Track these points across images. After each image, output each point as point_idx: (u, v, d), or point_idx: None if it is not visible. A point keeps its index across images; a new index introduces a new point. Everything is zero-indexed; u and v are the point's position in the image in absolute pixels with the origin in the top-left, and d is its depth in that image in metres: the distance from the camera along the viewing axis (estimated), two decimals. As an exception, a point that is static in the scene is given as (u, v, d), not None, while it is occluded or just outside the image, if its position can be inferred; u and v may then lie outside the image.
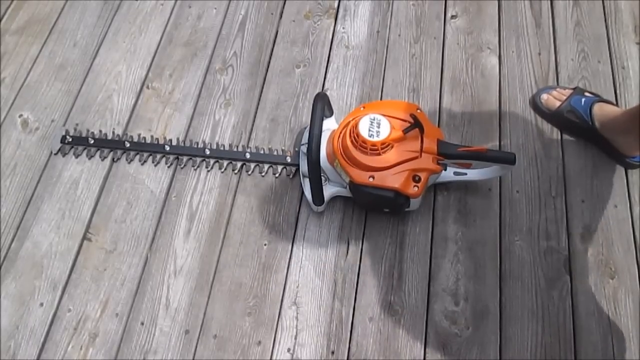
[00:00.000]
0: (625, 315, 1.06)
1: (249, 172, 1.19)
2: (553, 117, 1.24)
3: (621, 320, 1.05)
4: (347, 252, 1.12)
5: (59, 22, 1.41)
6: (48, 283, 1.08)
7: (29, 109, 1.28)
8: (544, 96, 1.25)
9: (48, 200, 1.17)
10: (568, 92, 1.24)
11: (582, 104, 1.19)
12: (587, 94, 1.23)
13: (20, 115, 1.27)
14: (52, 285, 1.08)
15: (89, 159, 1.21)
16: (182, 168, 1.20)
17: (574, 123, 1.21)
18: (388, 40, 1.38)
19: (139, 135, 1.22)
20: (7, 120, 1.26)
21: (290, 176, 1.18)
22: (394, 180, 1.01)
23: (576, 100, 1.21)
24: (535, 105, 1.27)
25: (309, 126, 1.03)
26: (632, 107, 1.14)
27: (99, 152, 1.21)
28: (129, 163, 1.20)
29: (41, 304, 1.07)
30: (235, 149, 1.20)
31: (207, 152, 1.19)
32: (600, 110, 1.18)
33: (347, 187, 1.08)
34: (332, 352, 1.03)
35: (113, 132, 1.23)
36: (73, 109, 1.28)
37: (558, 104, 1.23)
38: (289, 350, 1.03)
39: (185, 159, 1.20)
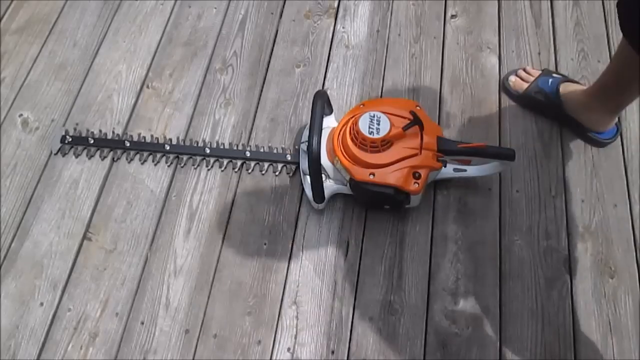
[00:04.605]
0: (625, 315, 1.06)
1: (249, 171, 1.19)
2: (522, 98, 1.27)
3: (621, 320, 1.05)
4: (347, 252, 1.12)
5: (59, 22, 1.41)
6: (48, 283, 1.08)
7: (29, 108, 1.28)
8: (512, 78, 1.29)
9: (48, 200, 1.17)
10: (536, 73, 1.27)
11: (549, 84, 1.23)
12: (554, 74, 1.26)
13: (20, 115, 1.27)
14: (52, 284, 1.08)
15: (89, 158, 1.21)
16: (182, 167, 1.20)
17: (541, 103, 1.24)
18: (388, 40, 1.38)
19: (139, 134, 1.22)
20: (7, 120, 1.26)
21: (291, 174, 1.19)
22: (394, 177, 1.01)
23: (544, 81, 1.24)
24: (505, 88, 1.30)
25: (309, 124, 1.03)
26: (593, 84, 1.17)
27: (98, 152, 1.21)
28: (129, 162, 1.20)
29: (41, 304, 1.07)
30: (235, 148, 1.20)
31: (207, 150, 1.19)
32: (566, 89, 1.21)
33: (348, 184, 1.08)
34: (332, 352, 1.03)
35: (113, 132, 1.23)
36: (73, 108, 1.28)
37: (526, 85, 1.26)
38: (289, 349, 1.03)
39: (185, 157, 1.20)
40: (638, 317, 1.05)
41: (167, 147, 1.19)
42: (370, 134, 1.00)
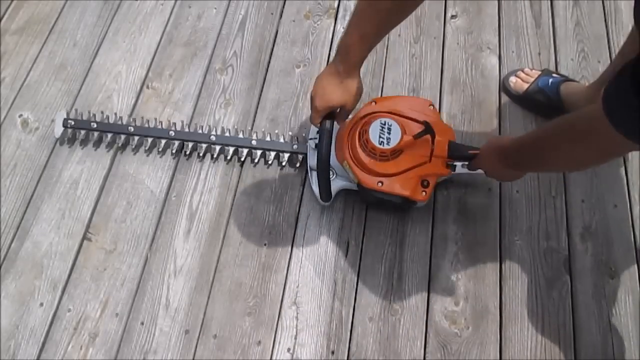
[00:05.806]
0: (625, 315, 1.06)
1: (255, 160, 1.18)
2: (522, 99, 1.26)
3: (621, 320, 1.05)
4: (347, 252, 1.12)
5: (59, 22, 1.41)
6: (48, 283, 1.08)
7: (29, 109, 1.28)
8: (512, 79, 1.28)
9: (48, 200, 1.17)
10: (536, 73, 1.26)
11: (550, 84, 1.22)
12: (555, 75, 1.26)
13: (20, 115, 1.27)
14: (52, 285, 1.08)
15: (93, 146, 1.21)
16: (187, 159, 1.19)
17: (542, 103, 1.23)
18: (388, 40, 1.38)
19: (142, 118, 1.21)
20: (7, 120, 1.26)
21: (297, 165, 1.18)
22: (402, 187, 0.99)
23: (544, 81, 1.24)
24: (506, 89, 1.29)
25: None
26: (599, 77, 1.17)
27: (101, 140, 1.20)
28: (134, 154, 1.20)
29: (41, 304, 1.07)
30: (240, 135, 1.19)
31: (213, 137, 1.18)
32: (566, 89, 1.21)
33: (356, 183, 1.07)
34: (332, 352, 1.03)
35: (115, 115, 1.22)
36: (73, 109, 1.28)
37: (526, 86, 1.25)
38: (289, 350, 1.03)
39: (190, 145, 1.19)
40: (638, 317, 1.05)
41: (172, 133, 1.18)
42: (380, 144, 0.97)
